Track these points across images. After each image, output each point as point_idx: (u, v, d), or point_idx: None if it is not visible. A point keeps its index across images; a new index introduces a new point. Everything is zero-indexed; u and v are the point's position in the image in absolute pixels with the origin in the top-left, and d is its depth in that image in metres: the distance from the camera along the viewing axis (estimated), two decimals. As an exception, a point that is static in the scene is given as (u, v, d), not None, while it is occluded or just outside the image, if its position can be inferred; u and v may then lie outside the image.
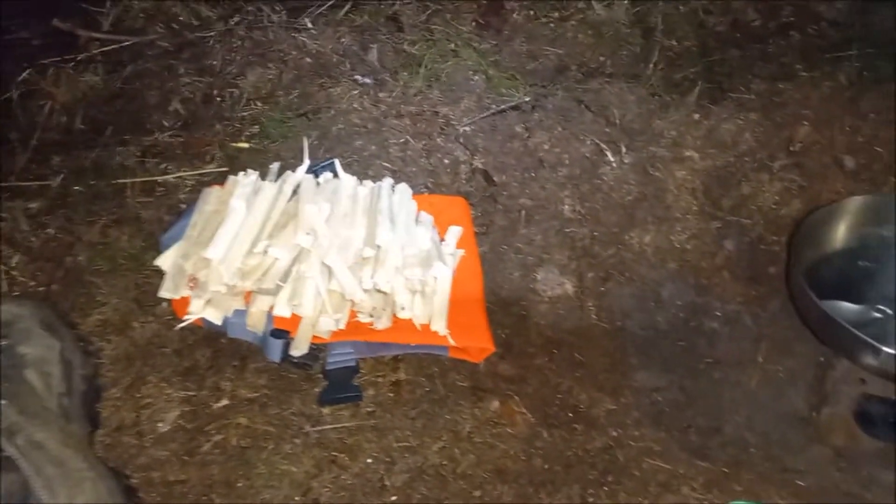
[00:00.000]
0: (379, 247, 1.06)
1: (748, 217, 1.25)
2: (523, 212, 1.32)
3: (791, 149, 1.26)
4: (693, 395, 1.11)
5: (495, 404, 1.03)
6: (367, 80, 1.43)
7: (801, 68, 1.50)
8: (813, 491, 0.95)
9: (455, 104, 1.43)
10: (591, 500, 0.92)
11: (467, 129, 1.40)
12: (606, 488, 0.94)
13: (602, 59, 1.67)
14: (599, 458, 0.98)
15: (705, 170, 1.29)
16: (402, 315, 1.08)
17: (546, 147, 1.38)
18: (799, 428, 1.05)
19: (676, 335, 1.20)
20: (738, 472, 0.96)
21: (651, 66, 1.61)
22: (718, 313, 1.20)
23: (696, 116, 1.35)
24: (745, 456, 1.00)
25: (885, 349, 0.85)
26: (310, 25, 1.64)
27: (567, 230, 1.28)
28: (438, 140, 1.39)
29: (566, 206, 1.31)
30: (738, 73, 1.54)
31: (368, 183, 1.21)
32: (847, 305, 0.95)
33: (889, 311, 0.95)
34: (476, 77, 1.51)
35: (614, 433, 1.01)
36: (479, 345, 1.10)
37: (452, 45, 1.58)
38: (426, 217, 1.20)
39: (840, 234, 1.03)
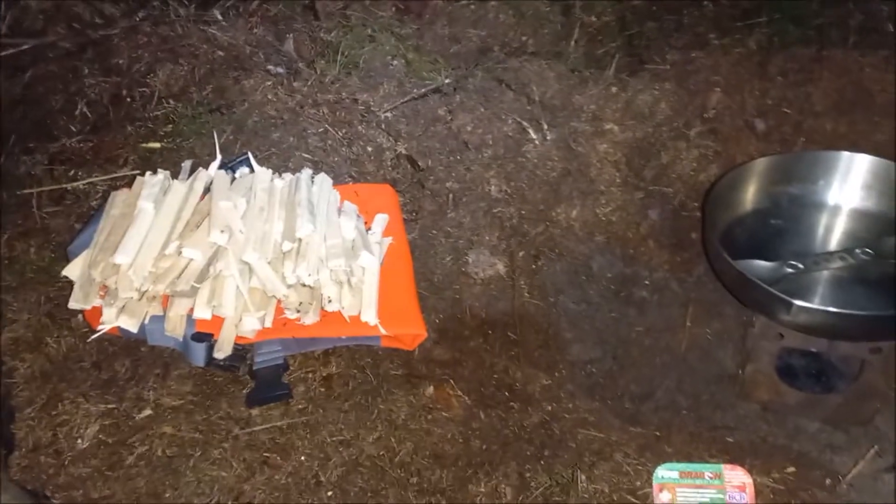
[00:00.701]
0: (299, 240, 1.04)
1: (669, 185, 1.27)
2: (451, 195, 1.31)
3: (705, 115, 1.29)
4: (626, 364, 1.13)
5: (430, 390, 1.02)
6: (280, 70, 1.39)
7: (714, 37, 1.53)
8: (742, 445, 0.98)
9: (374, 90, 1.41)
10: (528, 475, 0.93)
11: (388, 115, 1.39)
12: (543, 462, 0.94)
13: (524, 38, 1.67)
14: (536, 433, 0.99)
15: (626, 142, 1.31)
16: (330, 308, 1.05)
17: (469, 129, 1.37)
18: (727, 386, 1.07)
19: (608, 307, 1.22)
20: (669, 434, 0.97)
21: (573, 42, 1.62)
22: (647, 282, 1.22)
23: (615, 89, 1.37)
24: (676, 418, 1.03)
25: (796, 302, 0.88)
26: (220, 17, 1.59)
27: (495, 210, 1.28)
28: (360, 128, 1.37)
29: (493, 187, 1.31)
30: (655, 45, 1.56)
31: (288, 175, 1.18)
32: (761, 263, 0.98)
33: (800, 266, 0.98)
34: (395, 62, 1.49)
35: (549, 407, 1.01)
36: (412, 332, 1.08)
37: (370, 31, 1.56)
38: (350, 207, 1.18)
39: (751, 195, 1.06)
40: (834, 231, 1.04)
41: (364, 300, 1.07)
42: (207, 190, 1.11)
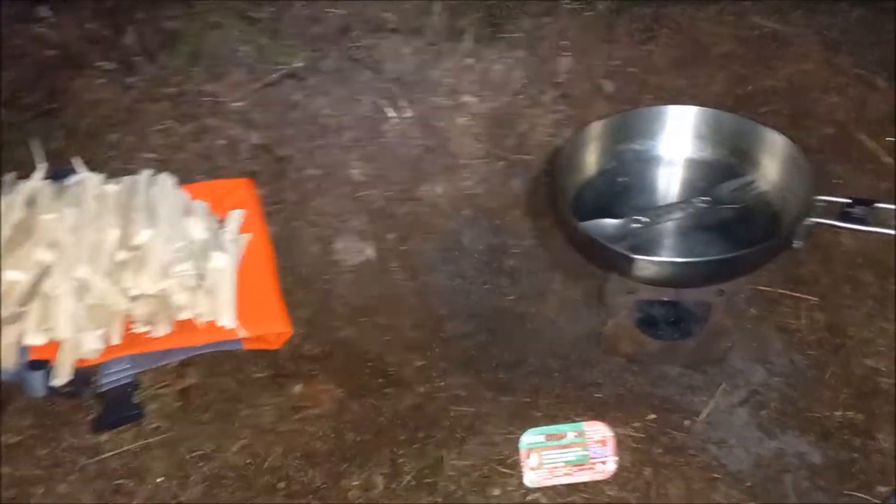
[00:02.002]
0: (139, 247, 0.97)
1: (529, 153, 1.28)
2: (312, 183, 1.27)
3: (556, 81, 1.31)
4: (499, 334, 1.14)
5: (298, 388, 0.99)
6: (113, 66, 1.29)
7: (567, 2, 1.56)
8: (608, 400, 1.01)
9: (222, 80, 1.34)
10: (401, 460, 0.92)
11: (240, 104, 1.32)
12: (417, 445, 0.93)
13: (385, 14, 1.64)
14: (410, 416, 0.98)
15: (484, 113, 1.31)
16: (182, 316, 1.00)
17: (326, 112, 1.33)
18: (594, 344, 1.10)
19: (481, 279, 1.22)
20: (537, 399, 0.99)
21: (435, 16, 1.60)
22: (516, 250, 1.23)
23: (470, 61, 1.36)
24: (547, 382, 1.04)
25: (637, 257, 0.91)
26: (48, 14, 1.46)
27: (359, 194, 1.25)
28: (208, 120, 1.29)
29: (355, 170, 1.28)
30: (514, 13, 1.57)
31: (128, 179, 1.09)
32: (608, 222, 1.00)
33: (645, 220, 1.01)
34: (244, 48, 1.42)
35: (422, 389, 1.00)
36: (276, 330, 1.04)
37: (216, 18, 1.48)
38: (199, 205, 1.11)
39: (596, 156, 1.08)
40: (675, 183, 1.08)
41: (220, 303, 1.02)
42: (30, 203, 1.01)
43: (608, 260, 0.95)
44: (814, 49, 1.23)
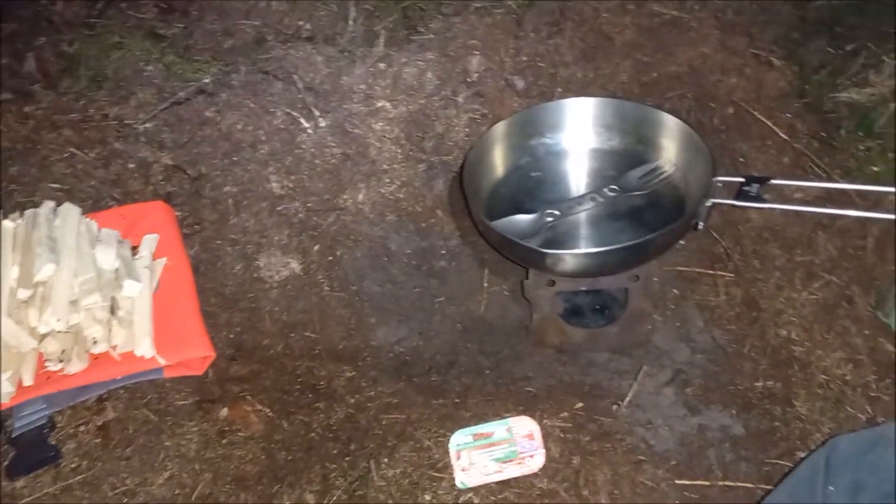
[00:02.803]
0: (41, 283, 0.93)
1: (448, 153, 1.28)
2: (231, 200, 1.24)
3: (468, 80, 1.31)
4: (431, 336, 1.14)
5: (224, 411, 0.97)
6: (8, 96, 1.23)
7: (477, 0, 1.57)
8: (539, 392, 1.02)
9: (127, 101, 1.29)
10: (333, 475, 0.91)
11: (148, 125, 1.28)
12: (348, 458, 0.93)
13: (300, 23, 1.61)
14: (342, 429, 0.97)
15: (400, 117, 1.30)
16: (98, 349, 0.96)
17: (240, 127, 1.30)
18: (524, 338, 1.12)
19: (412, 283, 1.22)
20: (466, 399, 0.99)
21: (351, 21, 1.58)
22: (443, 251, 1.24)
23: (382, 66, 1.35)
24: (478, 380, 1.05)
25: (547, 251, 0.92)
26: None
27: (280, 208, 1.23)
28: (116, 145, 1.25)
29: (274, 184, 1.25)
30: (428, 14, 1.57)
31: (29, 213, 1.05)
32: (521, 218, 1.01)
33: (557, 213, 1.03)
34: (150, 67, 1.37)
35: (353, 400, 1.00)
36: (198, 354, 1.02)
37: (117, 38, 1.42)
38: (110, 233, 1.08)
39: (508, 152, 1.09)
40: (586, 174, 1.10)
41: (136, 333, 0.99)
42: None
43: (523, 256, 0.96)
44: (711, 32, 1.27)
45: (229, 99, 1.35)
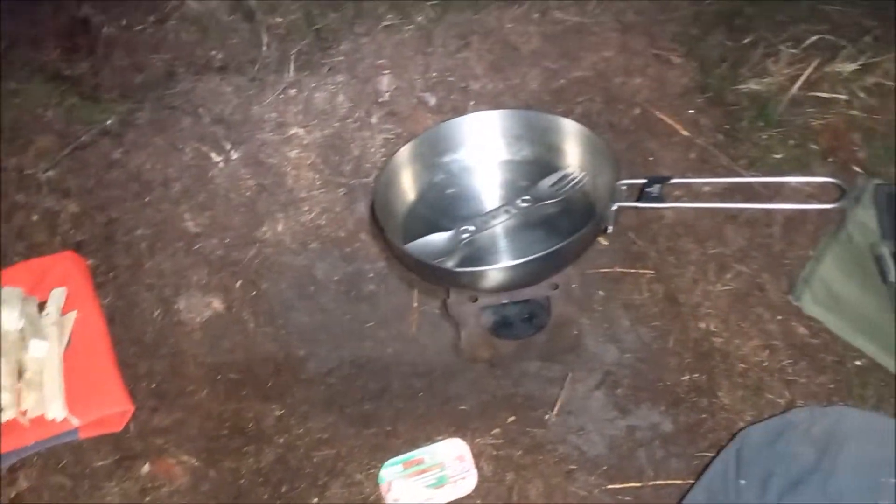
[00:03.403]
0: (-66, 355, 0.88)
1: (367, 175, 1.27)
2: (144, 243, 1.20)
3: (380, 100, 1.30)
4: (362, 364, 1.12)
5: (146, 467, 0.93)
6: None
7: (393, 17, 1.56)
8: (472, 410, 1.01)
9: (27, 150, 1.24)
10: (263, 522, 0.89)
11: (51, 174, 1.23)
12: (280, 501, 0.90)
13: (213, 52, 1.58)
14: (272, 471, 0.94)
15: (315, 143, 1.29)
16: (5, 417, 0.92)
17: (149, 166, 1.27)
18: (455, 356, 1.11)
19: (341, 310, 1.20)
20: (397, 426, 0.98)
21: (265, 47, 1.56)
22: (371, 275, 1.22)
23: (293, 92, 1.33)
24: (411, 404, 1.04)
25: (460, 270, 0.91)
26: None
27: (196, 247, 1.20)
28: (17, 197, 1.20)
29: (188, 223, 1.22)
30: (342, 35, 1.55)
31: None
32: (437, 237, 1.00)
33: (472, 228, 1.02)
34: (50, 112, 1.32)
35: (282, 440, 0.97)
36: (115, 410, 0.98)
37: (14, 84, 1.37)
38: (12, 292, 1.03)
39: (421, 171, 1.08)
40: (500, 187, 1.09)
41: (46, 395, 0.94)
42: None
43: (438, 277, 0.95)
44: (612, 35, 1.29)
45: (136, 138, 1.31)
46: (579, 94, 1.25)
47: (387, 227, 0.98)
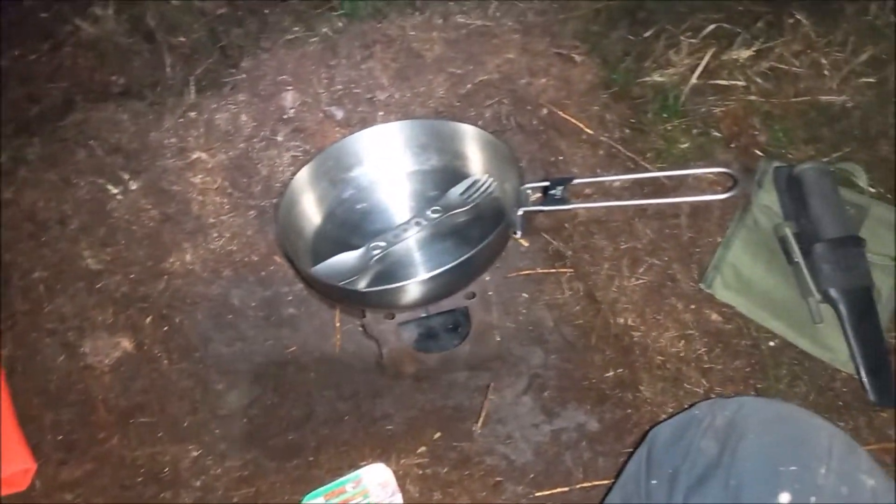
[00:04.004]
0: None
1: (277, 195, 1.23)
2: (42, 286, 1.13)
3: (285, 117, 1.26)
4: (285, 391, 1.08)
5: (53, 527, 0.88)
6: None
7: (300, 30, 1.52)
8: (399, 428, 0.99)
9: None
10: (181, 573, 0.84)
11: (-67, 221, 1.15)
12: (199, 549, 0.86)
13: (113, 77, 1.50)
14: (190, 518, 0.90)
15: (221, 165, 1.23)
16: None
17: (42, 204, 1.19)
18: (381, 374, 1.09)
19: (262, 336, 1.15)
20: (320, 455, 0.95)
21: (168, 69, 1.49)
22: (290, 297, 1.18)
23: (193, 115, 1.28)
24: (336, 429, 1.01)
25: (366, 290, 0.88)
26: None
27: (99, 285, 1.13)
28: None
29: (89, 260, 1.15)
30: (248, 51, 1.50)
31: None
32: (347, 256, 0.97)
33: (383, 244, 1.00)
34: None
35: (199, 482, 0.93)
36: (17, 468, 0.92)
37: None
38: None
39: (328, 189, 1.05)
40: (410, 199, 1.07)
41: (-66, 463, 0.87)
42: None
43: (349, 299, 0.92)
44: (514, 37, 1.29)
45: (27, 175, 1.23)
46: (487, 97, 1.24)
47: (293, 251, 0.95)
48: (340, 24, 1.46)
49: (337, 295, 0.89)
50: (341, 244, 1.00)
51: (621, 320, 1.04)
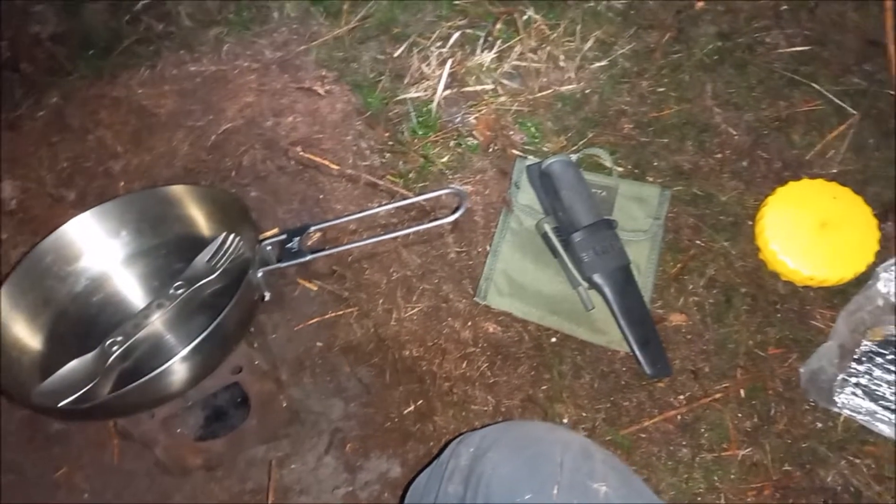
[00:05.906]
0: None
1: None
2: None
3: (9, 209, 1.11)
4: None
5: None
6: None
7: (28, 104, 1.34)
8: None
9: None
10: None
11: None
12: None
13: None
14: None
15: None
16: None
17: None
18: (167, 474, 0.98)
19: (29, 461, 1.00)
20: None
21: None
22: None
23: None
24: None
25: (107, 397, 0.79)
26: None
27: None
28: None
29: None
30: None
31: None
32: (77, 364, 0.84)
33: (121, 338, 0.86)
34: None
35: None
36: None
37: None
38: None
39: (55, 285, 0.91)
40: (153, 277, 0.97)
41: None
42: None
43: (81, 416, 0.81)
44: (249, 78, 1.22)
45: None
46: (239, 145, 1.16)
47: (10, 377, 0.81)
48: (68, 89, 1.32)
49: (67, 416, 0.78)
50: (81, 347, 0.88)
51: (407, 353, 1.01)
